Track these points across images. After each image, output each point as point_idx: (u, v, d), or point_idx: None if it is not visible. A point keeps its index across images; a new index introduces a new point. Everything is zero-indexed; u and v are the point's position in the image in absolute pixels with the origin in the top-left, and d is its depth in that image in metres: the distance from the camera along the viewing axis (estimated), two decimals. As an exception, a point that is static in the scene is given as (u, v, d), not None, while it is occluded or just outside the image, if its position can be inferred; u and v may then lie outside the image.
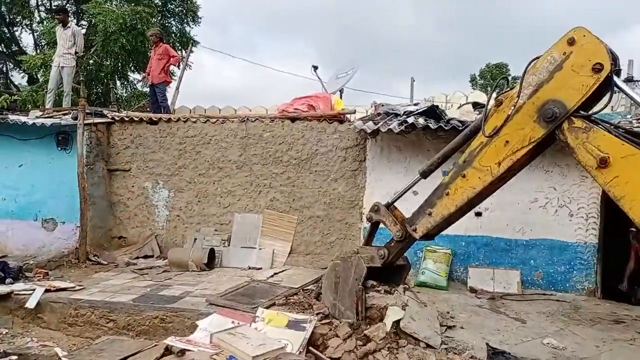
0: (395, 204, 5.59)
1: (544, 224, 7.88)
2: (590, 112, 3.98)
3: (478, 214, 8.09)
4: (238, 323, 5.57)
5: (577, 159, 3.90)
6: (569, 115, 3.93)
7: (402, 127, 7.75)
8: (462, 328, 5.78)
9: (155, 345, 5.22)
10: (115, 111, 10.42)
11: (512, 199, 7.92)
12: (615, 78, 3.81)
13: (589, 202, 7.69)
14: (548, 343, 5.37)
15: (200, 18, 19.53)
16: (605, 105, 4.09)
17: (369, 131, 7.95)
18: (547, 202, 7.87)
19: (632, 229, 7.76)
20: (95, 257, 8.81)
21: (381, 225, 5.66)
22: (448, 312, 6.33)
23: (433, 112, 8.18)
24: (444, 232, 8.12)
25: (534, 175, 7.83)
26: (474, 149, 4.57)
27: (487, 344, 5.21)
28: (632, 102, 9.39)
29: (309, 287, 7.15)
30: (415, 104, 9.27)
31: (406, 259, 5.96)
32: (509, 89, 4.61)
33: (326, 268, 7.96)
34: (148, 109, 11.85)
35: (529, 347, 5.26)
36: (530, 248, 7.97)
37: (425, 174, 5.22)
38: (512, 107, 4.23)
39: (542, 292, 7.76)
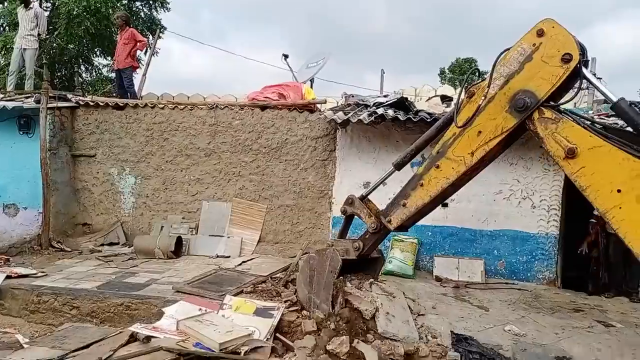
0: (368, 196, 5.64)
1: (508, 215, 8.09)
2: (560, 102, 4.07)
3: (444, 205, 8.21)
4: (205, 310, 5.54)
5: (546, 149, 3.96)
6: (539, 105, 3.99)
7: (372, 118, 7.82)
8: (426, 315, 5.88)
9: (120, 332, 5.15)
10: (80, 95, 10.13)
11: (478, 190, 8.09)
12: (583, 69, 3.87)
13: (551, 194, 7.93)
14: (509, 330, 5.52)
15: (169, 3, 19.25)
16: (575, 95, 4.25)
17: (339, 121, 7.98)
18: (511, 193, 8.07)
19: (592, 219, 8.02)
20: (59, 244, 8.60)
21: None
22: (414, 300, 6.43)
23: (402, 104, 8.30)
24: (411, 222, 8.36)
25: (499, 167, 8.01)
26: (447, 140, 4.60)
27: (451, 331, 5.34)
28: (593, 99, 9.73)
29: (277, 276, 7.14)
30: (385, 96, 9.33)
31: (380, 252, 6.03)
32: (480, 80, 4.66)
33: (295, 257, 8.05)
34: (114, 94, 11.59)
35: (491, 333, 5.39)
36: (494, 238, 8.17)
37: (399, 166, 5.25)
38: (484, 97, 4.28)
39: (504, 281, 7.98)
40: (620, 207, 3.50)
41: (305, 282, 5.53)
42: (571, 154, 3.72)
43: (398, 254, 7.99)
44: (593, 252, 8.08)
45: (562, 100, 4.10)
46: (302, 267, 5.66)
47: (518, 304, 6.73)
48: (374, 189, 5.56)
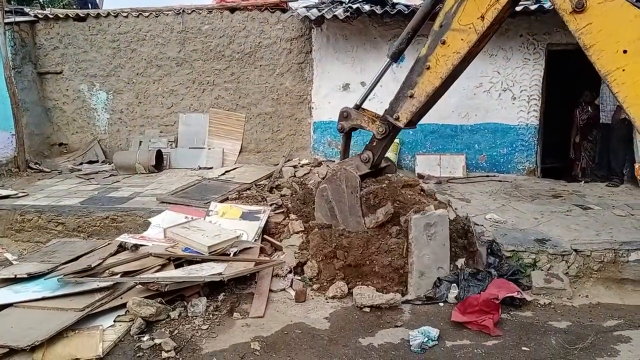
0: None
1: (488, 108, 8.07)
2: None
3: (425, 102, 8.17)
4: (192, 218, 5.59)
5: (551, 1, 3.63)
6: None
7: (348, 14, 7.50)
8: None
9: (109, 243, 5.21)
10: (38, 9, 9.51)
11: (458, 84, 7.81)
12: None
13: (531, 84, 7.87)
14: (490, 218, 5.69)
15: None
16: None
17: (313, 18, 7.65)
18: (491, 86, 8.00)
19: (583, 99, 8.02)
20: (37, 165, 8.46)
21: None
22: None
23: (378, -1, 7.94)
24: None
25: (479, 59, 7.70)
26: (449, 9, 4.13)
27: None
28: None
29: (261, 182, 7.18)
30: (360, -8, 8.92)
31: (388, 159, 5.65)
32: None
33: (278, 164, 8.04)
34: (74, 6, 10.92)
35: (473, 221, 5.53)
36: (475, 133, 8.20)
37: (395, 56, 4.78)
38: None
39: (485, 174, 8.12)
40: (623, 70, 3.32)
41: (326, 217, 5.02)
42: (580, 7, 3.40)
43: (380, 154, 7.99)
44: (575, 138, 8.24)
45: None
46: (317, 202, 5.14)
47: (499, 194, 6.89)
48: (369, 93, 5.05)
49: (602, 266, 4.80)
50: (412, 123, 4.81)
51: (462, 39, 4.09)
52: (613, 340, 3.87)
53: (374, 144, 4.97)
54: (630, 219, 5.70)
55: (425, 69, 4.35)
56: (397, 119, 4.65)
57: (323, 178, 5.95)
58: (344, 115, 5.02)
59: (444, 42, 4.16)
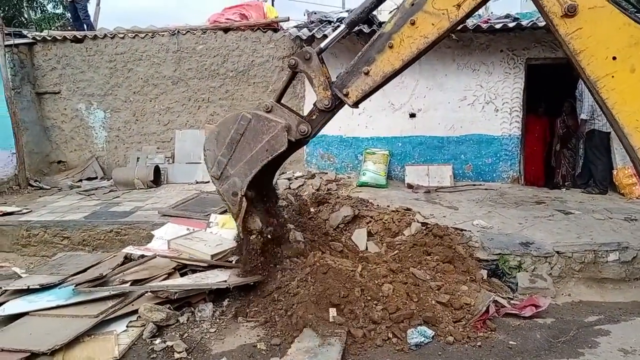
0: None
1: (473, 120, 8.46)
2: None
3: (412, 115, 8.55)
4: (193, 229, 5.83)
5: (541, 4, 3.48)
6: None
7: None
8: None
9: (115, 255, 5.41)
10: (35, 31, 9.76)
11: (443, 98, 8.39)
12: None
13: (512, 97, 8.28)
14: (477, 224, 6.00)
15: None
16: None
17: (304, 38, 8.00)
18: (474, 99, 8.39)
19: (566, 103, 8.41)
20: (36, 182, 8.64)
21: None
22: (388, 206, 6.80)
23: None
24: (382, 135, 8.67)
25: (463, 74, 8.29)
26: None
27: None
28: None
29: (258, 194, 7.40)
30: (348, 11, 9.29)
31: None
32: None
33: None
34: (69, 28, 11.17)
35: (461, 228, 5.84)
36: (461, 144, 8.57)
37: (352, 24, 4.24)
38: None
39: (472, 183, 8.48)
40: (612, 76, 3.32)
41: (221, 141, 4.26)
42: (571, 11, 3.31)
43: (371, 166, 8.32)
44: (556, 146, 8.63)
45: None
46: (226, 121, 4.32)
47: (485, 202, 7.22)
48: (332, 42, 4.30)
49: (583, 267, 5.14)
50: (358, 103, 4.24)
51: (432, 24, 3.77)
52: (594, 334, 4.16)
53: (314, 117, 4.28)
54: (609, 222, 6.05)
55: (388, 47, 3.91)
56: (347, 95, 4.10)
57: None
58: (306, 56, 4.15)
59: (413, 23, 3.80)
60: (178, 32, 8.99)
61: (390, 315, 4.09)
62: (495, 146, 8.47)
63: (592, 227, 5.83)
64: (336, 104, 4.22)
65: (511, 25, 7.55)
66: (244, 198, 4.24)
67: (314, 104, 4.28)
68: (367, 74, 4.00)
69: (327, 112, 4.25)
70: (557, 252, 5.16)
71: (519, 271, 5.11)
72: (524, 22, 7.55)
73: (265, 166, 4.23)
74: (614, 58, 3.29)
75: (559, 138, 8.59)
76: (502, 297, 4.67)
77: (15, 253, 6.21)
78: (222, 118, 4.47)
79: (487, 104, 8.38)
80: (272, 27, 8.93)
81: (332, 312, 4.04)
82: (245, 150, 4.18)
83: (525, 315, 4.39)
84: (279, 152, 4.12)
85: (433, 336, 4.01)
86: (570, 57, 3.48)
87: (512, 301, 4.70)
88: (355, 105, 4.23)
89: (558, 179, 8.57)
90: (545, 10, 3.46)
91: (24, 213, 6.75)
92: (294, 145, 4.37)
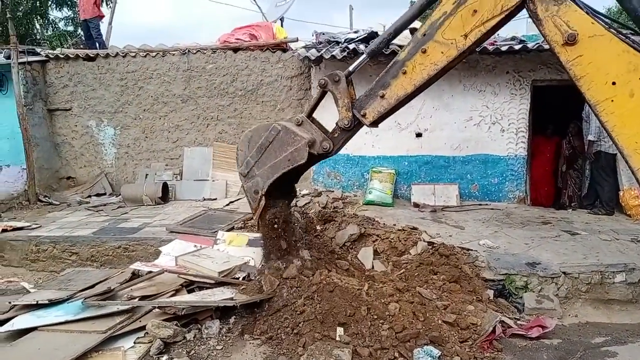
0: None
1: (479, 140, 8.50)
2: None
3: (419, 135, 8.61)
4: (201, 246, 5.88)
5: (543, 33, 3.64)
6: None
7: (345, 54, 7.97)
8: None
9: (122, 271, 5.45)
10: (48, 49, 9.96)
11: (449, 118, 8.45)
12: None
13: (518, 118, 8.33)
14: (484, 244, 6.01)
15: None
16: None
17: (312, 58, 8.11)
18: (481, 120, 8.44)
19: (572, 125, 8.46)
20: (46, 198, 8.75)
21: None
22: (394, 225, 6.83)
23: (373, 38, 8.42)
24: (388, 154, 8.71)
25: (469, 95, 8.36)
26: (436, 20, 4.06)
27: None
28: None
29: (264, 212, 7.45)
30: (356, 32, 9.42)
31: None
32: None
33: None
34: (82, 46, 11.38)
35: (467, 247, 5.85)
36: (467, 163, 8.60)
37: (373, 53, 4.56)
38: None
39: (478, 202, 8.49)
40: (612, 100, 3.42)
41: (252, 143, 4.74)
42: (571, 40, 3.47)
43: (377, 185, 8.36)
44: (562, 167, 8.64)
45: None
46: (259, 127, 4.80)
47: (491, 222, 7.23)
48: (357, 69, 4.55)
49: (589, 287, 5.13)
50: (375, 123, 4.63)
51: (442, 52, 4.07)
52: (601, 355, 4.15)
53: (336, 134, 4.63)
54: (615, 243, 6.05)
55: (402, 73, 4.26)
56: (364, 115, 4.47)
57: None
58: (335, 78, 4.51)
59: (424, 51, 4.12)
60: (189, 51, 9.15)
61: (397, 335, 4.09)
62: (501, 166, 8.50)
63: (598, 248, 5.82)
64: (355, 124, 4.55)
65: (517, 47, 7.65)
66: (263, 197, 4.73)
67: (336, 123, 4.62)
68: (382, 97, 4.36)
69: (347, 131, 4.60)
70: (564, 273, 5.16)
71: (525, 291, 5.10)
72: (530, 45, 7.64)
73: (286, 173, 4.67)
74: (614, 83, 3.40)
75: (565, 159, 8.60)
76: (509, 318, 4.66)
77: (24, 268, 6.28)
78: (252, 127, 4.96)
79: (493, 124, 8.43)
80: (281, 47, 9.07)
81: (339, 331, 4.06)
82: (271, 156, 4.66)
83: (532, 336, 4.39)
84: (299, 163, 4.55)
85: (439, 356, 4.00)
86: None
87: (518, 322, 4.69)
88: (373, 124, 4.60)
89: (564, 199, 8.57)
90: (547, 38, 3.61)
91: (34, 228, 6.83)
92: (316, 158, 4.79)
